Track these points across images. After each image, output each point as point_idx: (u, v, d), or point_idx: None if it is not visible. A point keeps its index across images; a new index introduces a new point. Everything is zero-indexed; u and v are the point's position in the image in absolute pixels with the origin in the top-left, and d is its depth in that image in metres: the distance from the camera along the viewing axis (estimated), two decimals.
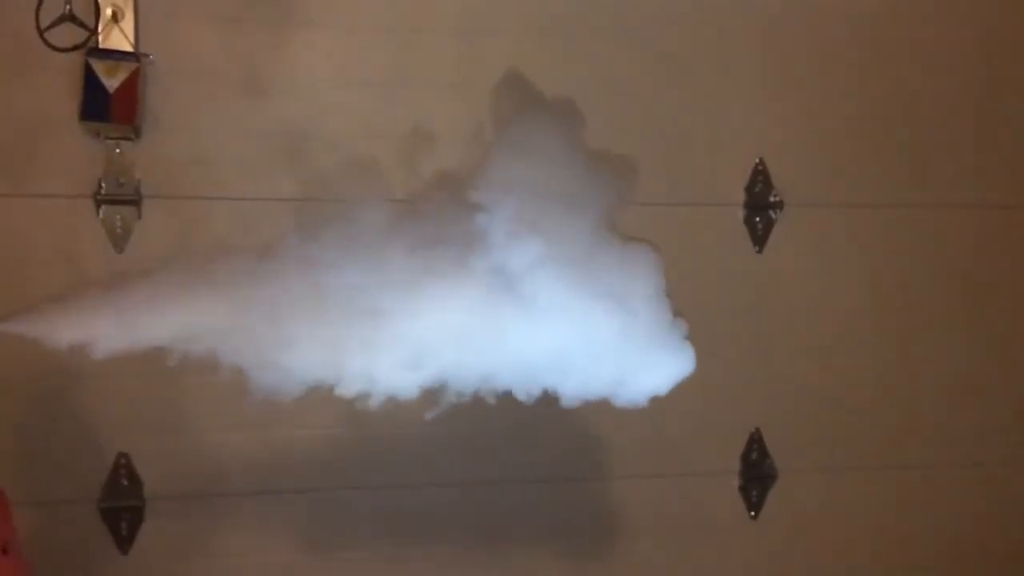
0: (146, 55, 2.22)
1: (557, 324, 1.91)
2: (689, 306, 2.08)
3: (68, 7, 2.11)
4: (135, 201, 2.27)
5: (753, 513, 2.70)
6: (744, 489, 2.69)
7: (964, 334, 2.79)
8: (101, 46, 2.18)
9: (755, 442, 2.68)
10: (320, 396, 1.91)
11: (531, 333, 1.91)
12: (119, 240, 2.27)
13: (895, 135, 2.69)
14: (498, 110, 2.32)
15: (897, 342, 2.75)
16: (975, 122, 2.74)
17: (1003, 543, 2.89)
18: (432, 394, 1.92)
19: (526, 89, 2.36)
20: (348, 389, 1.91)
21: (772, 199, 2.61)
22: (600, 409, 2.04)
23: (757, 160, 2.60)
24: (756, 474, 2.68)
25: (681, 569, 2.67)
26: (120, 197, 2.26)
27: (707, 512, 2.67)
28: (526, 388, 1.98)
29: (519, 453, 2.52)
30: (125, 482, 2.32)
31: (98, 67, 2.16)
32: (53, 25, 2.11)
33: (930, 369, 2.77)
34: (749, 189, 2.60)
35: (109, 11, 2.19)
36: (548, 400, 1.98)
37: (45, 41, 2.10)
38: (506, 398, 1.97)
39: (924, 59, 2.69)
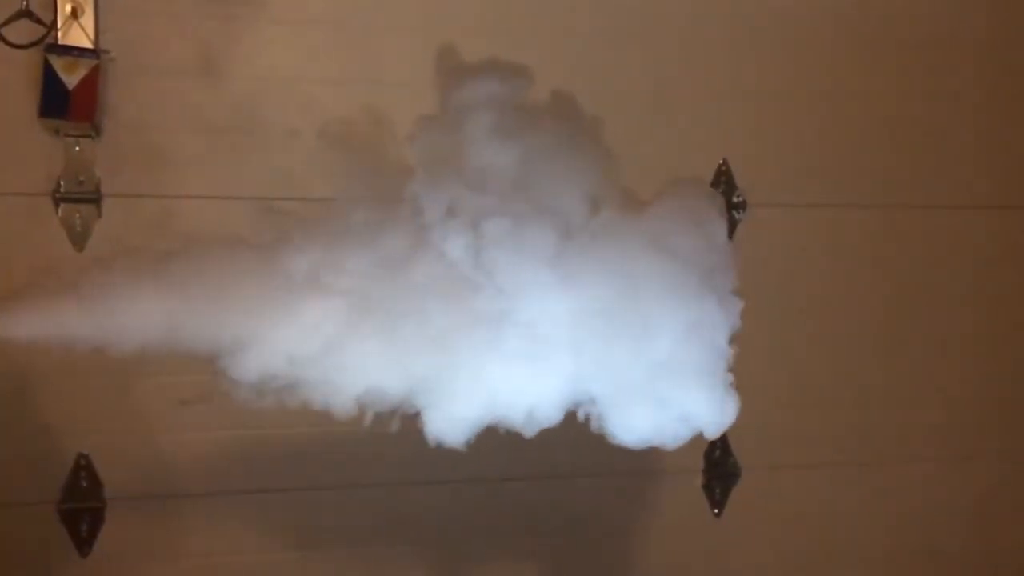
0: (106, 51, 2.20)
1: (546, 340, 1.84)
2: None
3: (25, 3, 2.09)
4: (95, 199, 2.25)
5: (716, 511, 2.72)
6: (708, 487, 2.71)
7: (926, 332, 2.83)
8: (60, 42, 2.16)
9: (718, 440, 2.69)
10: (282, 396, 1.89)
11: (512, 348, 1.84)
12: (79, 239, 2.25)
13: (858, 136, 2.73)
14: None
15: (859, 341, 2.78)
16: (942, 123, 2.79)
17: (968, 540, 2.93)
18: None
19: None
20: (316, 392, 1.88)
21: (735, 199, 2.63)
22: None
23: (720, 161, 2.62)
24: (719, 472, 2.70)
25: (644, 567, 2.68)
26: (80, 195, 2.24)
27: (670, 510, 2.69)
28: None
29: (482, 451, 2.51)
30: (85, 483, 2.30)
31: (57, 64, 2.13)
32: (10, 21, 2.08)
33: (892, 367, 2.81)
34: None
35: (68, 7, 2.17)
36: None
37: (2, 37, 2.07)
38: None
39: (888, 60, 2.73)
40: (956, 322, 2.85)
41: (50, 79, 2.13)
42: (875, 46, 2.73)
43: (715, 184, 2.62)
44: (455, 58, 1.89)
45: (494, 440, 2.47)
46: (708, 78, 2.60)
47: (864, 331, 2.79)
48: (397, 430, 1.84)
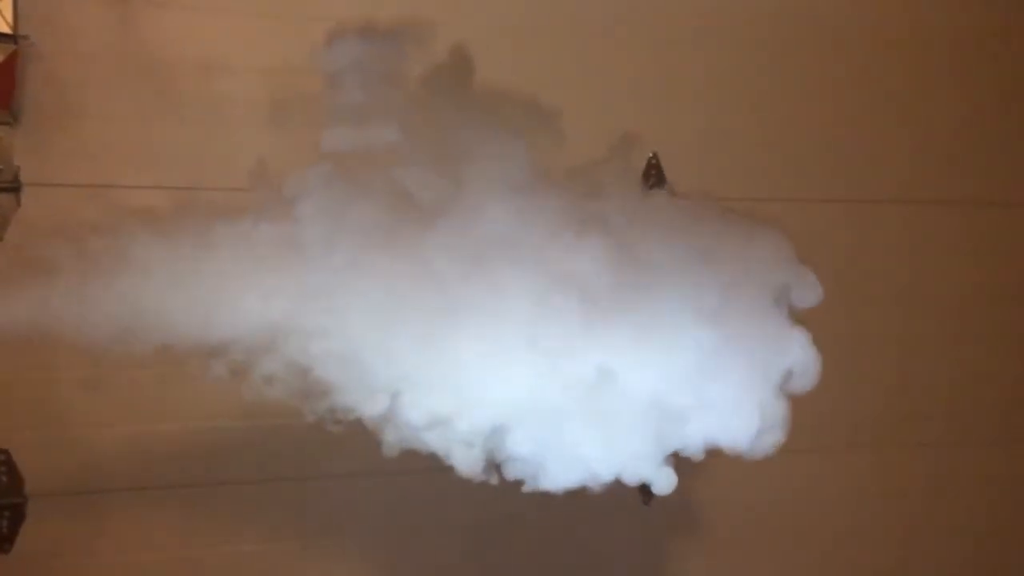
0: (25, 37, 2.16)
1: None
2: None
3: None
4: (15, 188, 2.20)
5: (644, 499, 2.75)
6: None
7: (857, 324, 2.89)
8: None
9: None
10: (206, 388, 1.88)
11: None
12: None
13: (786, 131, 2.78)
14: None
15: None
16: (873, 118, 2.85)
17: (894, 530, 3.01)
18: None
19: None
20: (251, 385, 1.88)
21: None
22: None
23: (651, 154, 2.65)
24: None
25: (573, 556, 2.71)
26: None
27: (600, 500, 2.71)
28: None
29: None
30: (5, 479, 2.24)
31: None
32: None
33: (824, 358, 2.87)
34: (643, 182, 2.65)
35: None
36: None
37: None
38: None
39: (821, 58, 2.79)
40: (885, 316, 2.92)
41: None
42: (808, 43, 2.78)
43: (645, 177, 2.65)
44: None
45: None
46: (639, 73, 2.62)
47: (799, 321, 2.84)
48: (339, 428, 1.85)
